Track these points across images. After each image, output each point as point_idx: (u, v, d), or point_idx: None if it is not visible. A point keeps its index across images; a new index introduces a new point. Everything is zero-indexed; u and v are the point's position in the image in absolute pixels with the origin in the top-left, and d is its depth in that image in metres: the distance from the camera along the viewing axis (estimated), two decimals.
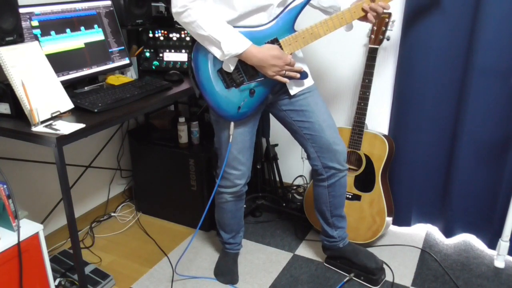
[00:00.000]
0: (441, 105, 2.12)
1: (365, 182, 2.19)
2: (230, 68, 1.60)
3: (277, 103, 1.80)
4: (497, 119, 2.00)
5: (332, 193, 1.91)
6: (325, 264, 2.11)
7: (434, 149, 2.20)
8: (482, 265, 2.10)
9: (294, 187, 2.76)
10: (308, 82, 1.78)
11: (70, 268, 1.97)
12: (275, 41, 1.60)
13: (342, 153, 1.84)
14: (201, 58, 1.62)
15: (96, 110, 1.66)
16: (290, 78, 1.63)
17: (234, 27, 1.57)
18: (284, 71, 1.60)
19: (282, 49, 1.60)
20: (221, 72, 1.62)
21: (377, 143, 2.15)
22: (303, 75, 1.68)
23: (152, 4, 2.34)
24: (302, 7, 1.59)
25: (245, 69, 1.62)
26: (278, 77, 1.61)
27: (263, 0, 1.56)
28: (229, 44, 1.52)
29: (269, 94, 1.72)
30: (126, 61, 2.13)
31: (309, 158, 1.88)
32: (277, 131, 2.62)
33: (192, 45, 1.65)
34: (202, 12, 1.51)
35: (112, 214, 2.58)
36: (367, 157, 2.17)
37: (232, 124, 1.70)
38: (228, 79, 1.63)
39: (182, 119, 2.34)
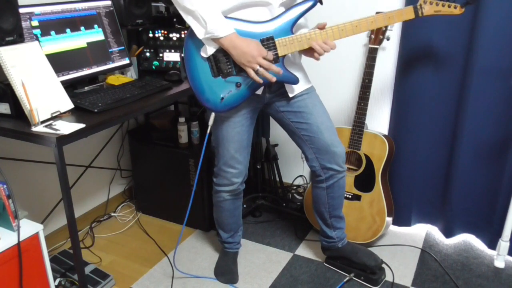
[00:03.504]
0: (441, 105, 2.12)
1: (365, 182, 2.19)
2: (207, 52, 1.57)
3: (274, 104, 1.79)
4: (497, 119, 2.00)
5: (331, 194, 1.90)
6: (325, 264, 2.12)
7: (434, 149, 2.20)
8: (482, 265, 2.10)
9: (294, 187, 2.76)
10: (306, 84, 1.77)
11: (70, 268, 1.97)
12: (270, 39, 1.58)
13: (340, 155, 1.83)
14: (193, 42, 1.60)
15: (96, 110, 1.66)
16: (266, 79, 1.56)
17: (234, 18, 1.56)
18: (257, 66, 1.53)
19: (276, 48, 1.58)
20: (210, 60, 1.60)
21: (377, 143, 2.15)
22: (291, 80, 1.64)
23: (152, 4, 2.34)
24: (304, 12, 1.57)
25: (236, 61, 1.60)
26: (250, 72, 1.54)
27: None
28: (214, 24, 1.49)
29: (255, 91, 1.68)
30: (126, 61, 2.13)
31: (307, 159, 1.87)
32: (277, 131, 2.62)
33: None
34: None
35: (112, 214, 2.58)
36: (367, 157, 2.17)
37: (212, 114, 1.68)
38: (216, 68, 1.61)
39: (182, 119, 2.34)
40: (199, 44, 1.59)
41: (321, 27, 1.59)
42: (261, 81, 1.57)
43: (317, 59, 1.62)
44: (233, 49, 1.54)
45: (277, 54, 1.59)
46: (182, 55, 1.67)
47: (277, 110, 1.80)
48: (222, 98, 1.64)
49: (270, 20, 1.58)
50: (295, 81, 1.66)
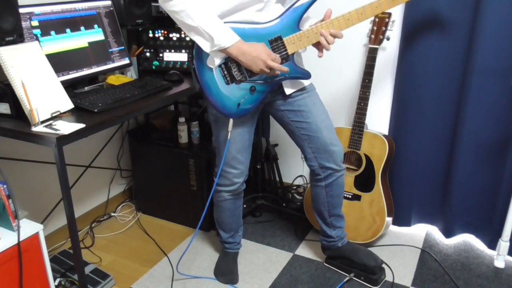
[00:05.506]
0: (441, 105, 2.12)
1: (365, 182, 2.19)
2: (215, 63, 1.57)
3: (274, 103, 1.79)
4: (497, 119, 2.00)
5: (329, 193, 1.91)
6: (325, 264, 2.12)
7: (434, 149, 2.20)
8: (482, 265, 2.10)
9: (294, 187, 2.76)
10: (305, 81, 1.76)
11: (70, 268, 1.97)
12: (278, 39, 1.58)
13: (339, 153, 1.84)
14: (202, 53, 1.60)
15: (96, 110, 1.66)
16: (283, 73, 1.60)
17: (238, 22, 1.56)
18: (268, 70, 1.55)
19: (285, 47, 1.58)
20: (222, 68, 1.60)
21: (377, 143, 2.15)
22: (304, 75, 1.65)
23: (152, 4, 2.34)
24: (308, 6, 1.56)
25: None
26: (264, 70, 1.56)
27: None
28: (219, 36, 1.49)
29: (270, 92, 1.70)
30: (126, 61, 2.13)
31: (306, 158, 1.87)
32: (277, 131, 2.62)
33: (193, 45, 1.64)
34: (192, 1, 1.48)
35: (112, 214, 2.58)
36: (367, 157, 2.17)
37: (231, 120, 1.68)
38: (229, 75, 1.61)
39: (182, 119, 2.34)
40: (207, 54, 1.59)
41: (328, 14, 1.59)
42: (278, 73, 1.58)
43: (321, 56, 1.62)
44: (242, 55, 1.54)
45: (287, 53, 1.59)
46: (194, 66, 1.66)
47: (277, 108, 1.80)
48: (239, 104, 1.64)
49: (274, 19, 1.57)
50: (308, 75, 1.67)
